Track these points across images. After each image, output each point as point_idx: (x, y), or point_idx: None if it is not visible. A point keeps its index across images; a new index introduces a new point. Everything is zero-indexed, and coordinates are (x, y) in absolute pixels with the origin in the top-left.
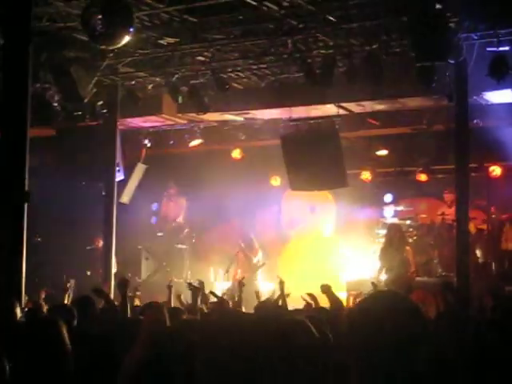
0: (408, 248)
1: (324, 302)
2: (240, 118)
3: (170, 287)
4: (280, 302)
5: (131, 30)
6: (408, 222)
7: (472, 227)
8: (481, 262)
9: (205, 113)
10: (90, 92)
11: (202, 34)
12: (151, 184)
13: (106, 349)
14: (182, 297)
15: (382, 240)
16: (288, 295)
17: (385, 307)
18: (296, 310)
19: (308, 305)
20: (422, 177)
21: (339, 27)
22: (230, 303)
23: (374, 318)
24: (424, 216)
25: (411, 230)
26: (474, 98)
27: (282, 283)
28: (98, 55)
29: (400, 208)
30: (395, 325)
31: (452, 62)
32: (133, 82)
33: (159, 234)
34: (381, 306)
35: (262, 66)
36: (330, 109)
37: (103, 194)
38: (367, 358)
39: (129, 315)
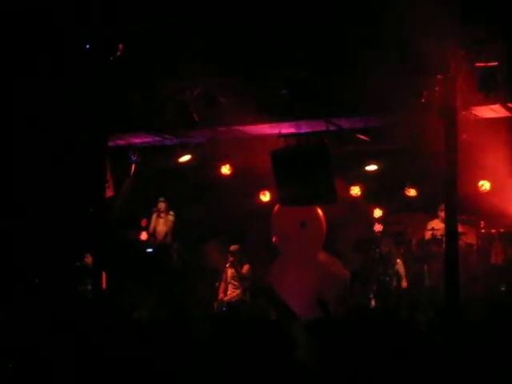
0: (399, 260)
1: None
2: (229, 134)
3: None
4: None
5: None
6: (397, 236)
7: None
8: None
9: (194, 129)
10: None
11: None
12: (140, 200)
13: None
14: None
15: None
16: None
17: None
18: None
19: None
20: (412, 192)
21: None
22: None
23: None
24: (413, 231)
25: (400, 245)
26: (463, 113)
27: None
28: None
29: (389, 223)
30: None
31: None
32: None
33: (148, 250)
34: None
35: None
36: (319, 124)
37: (90, 210)
38: None
39: None
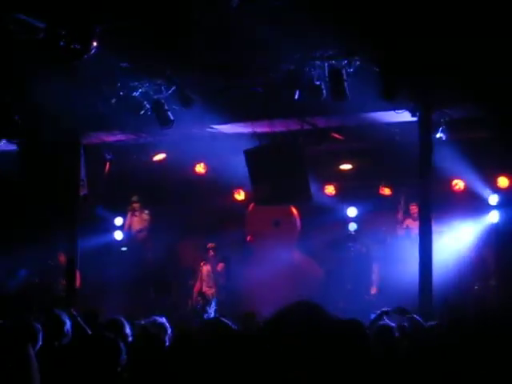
0: (375, 266)
1: None
2: (203, 133)
3: None
4: None
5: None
6: (372, 235)
7: None
8: None
9: (168, 127)
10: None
11: None
12: (115, 198)
13: None
14: None
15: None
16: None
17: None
18: None
19: None
20: (386, 191)
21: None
22: None
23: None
24: (387, 230)
25: (375, 243)
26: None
27: None
28: None
29: (364, 222)
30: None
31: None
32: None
33: (123, 249)
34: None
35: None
36: (293, 123)
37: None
38: None
39: None
